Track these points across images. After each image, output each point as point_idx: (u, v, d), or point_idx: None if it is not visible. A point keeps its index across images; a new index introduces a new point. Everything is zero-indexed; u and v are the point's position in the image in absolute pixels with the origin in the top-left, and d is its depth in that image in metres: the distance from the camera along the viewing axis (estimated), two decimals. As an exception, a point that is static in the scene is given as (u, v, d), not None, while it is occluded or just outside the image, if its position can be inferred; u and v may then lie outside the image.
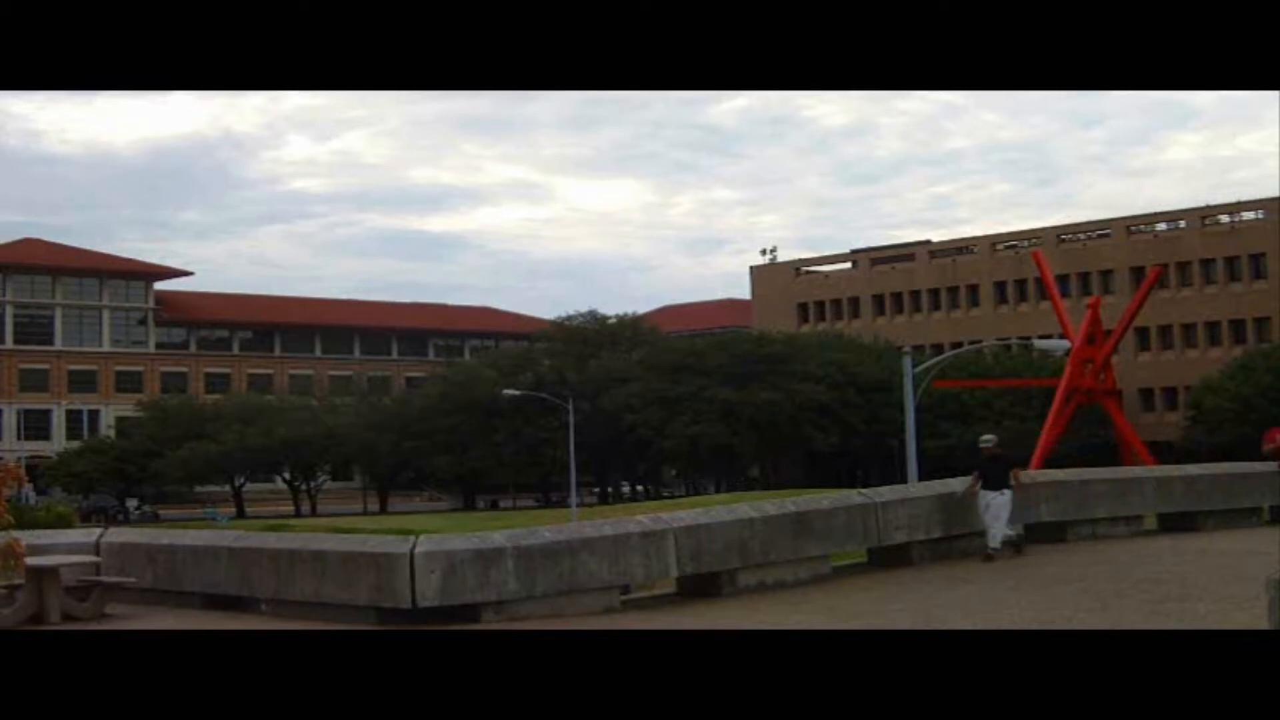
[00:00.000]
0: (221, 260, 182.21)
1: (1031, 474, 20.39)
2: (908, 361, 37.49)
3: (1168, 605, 12.89)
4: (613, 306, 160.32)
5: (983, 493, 17.54)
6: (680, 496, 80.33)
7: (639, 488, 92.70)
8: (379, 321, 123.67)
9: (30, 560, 14.39)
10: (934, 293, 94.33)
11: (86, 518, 71.77)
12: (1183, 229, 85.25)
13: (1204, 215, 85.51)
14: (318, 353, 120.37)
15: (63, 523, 48.05)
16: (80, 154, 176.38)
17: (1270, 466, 18.87)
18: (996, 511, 17.33)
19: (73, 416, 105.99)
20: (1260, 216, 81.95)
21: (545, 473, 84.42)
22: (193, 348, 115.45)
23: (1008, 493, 17.53)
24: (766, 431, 78.50)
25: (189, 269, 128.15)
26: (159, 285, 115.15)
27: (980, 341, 76.83)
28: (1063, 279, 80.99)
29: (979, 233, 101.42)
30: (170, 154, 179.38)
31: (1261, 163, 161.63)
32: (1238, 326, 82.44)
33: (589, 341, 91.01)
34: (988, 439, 18.84)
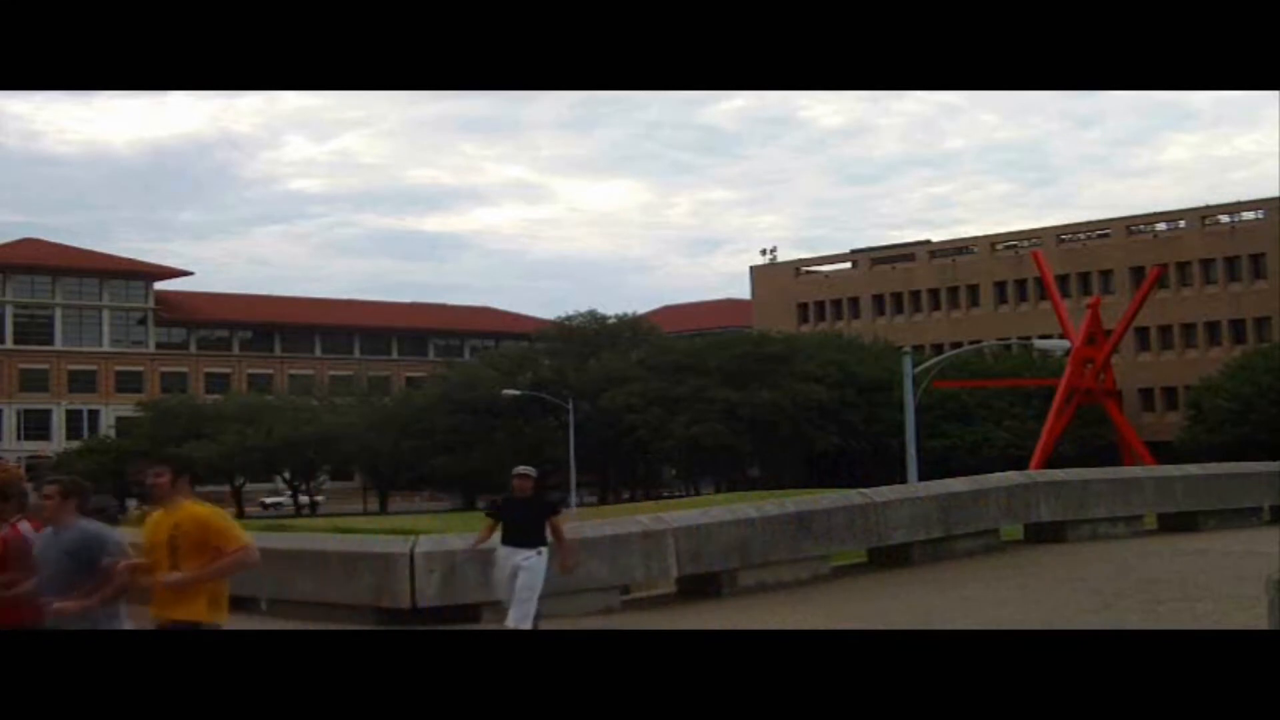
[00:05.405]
0: (220, 260, 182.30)
1: (579, 524, 14.91)
2: (908, 361, 37.46)
3: (1168, 605, 12.90)
4: (613, 306, 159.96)
5: (504, 549, 11.89)
6: (680, 496, 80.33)
7: (639, 490, 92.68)
8: (379, 321, 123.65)
9: (30, 560, 14.38)
10: (934, 293, 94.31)
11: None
12: (1183, 229, 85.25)
13: (1204, 215, 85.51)
14: (318, 353, 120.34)
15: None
16: (80, 154, 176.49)
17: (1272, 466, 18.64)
18: (529, 580, 11.68)
19: (73, 416, 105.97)
20: (1260, 216, 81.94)
21: (545, 473, 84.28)
22: (193, 348, 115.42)
23: (544, 552, 11.81)
24: (766, 431, 78.49)
25: (189, 269, 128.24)
26: (159, 285, 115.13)
27: (980, 341, 76.83)
28: (1063, 279, 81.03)
29: (978, 233, 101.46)
30: (169, 154, 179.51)
31: (1259, 163, 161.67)
32: (1238, 326, 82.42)
33: (589, 341, 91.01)
34: (525, 470, 12.34)
